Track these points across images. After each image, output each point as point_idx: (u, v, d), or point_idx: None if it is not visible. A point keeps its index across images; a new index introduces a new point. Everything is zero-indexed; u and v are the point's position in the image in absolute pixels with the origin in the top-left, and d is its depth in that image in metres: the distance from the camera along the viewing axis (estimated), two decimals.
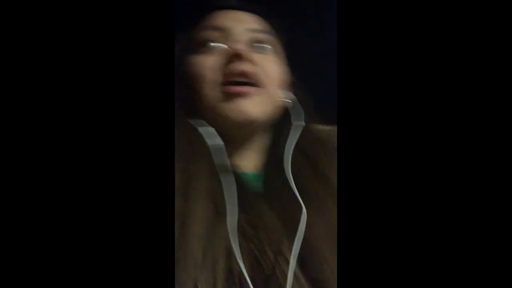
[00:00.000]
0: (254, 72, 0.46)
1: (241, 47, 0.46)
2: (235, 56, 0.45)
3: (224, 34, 0.48)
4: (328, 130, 0.52)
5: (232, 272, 0.36)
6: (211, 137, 0.44)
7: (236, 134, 0.47)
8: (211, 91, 0.45)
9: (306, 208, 0.40)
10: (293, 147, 0.47)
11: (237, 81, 0.45)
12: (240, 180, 0.44)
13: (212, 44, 0.47)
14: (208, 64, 0.46)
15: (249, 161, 0.49)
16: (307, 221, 0.40)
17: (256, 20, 0.50)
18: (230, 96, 0.44)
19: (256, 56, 0.47)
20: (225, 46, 0.47)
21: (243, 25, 0.49)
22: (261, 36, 0.49)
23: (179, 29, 0.46)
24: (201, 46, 0.48)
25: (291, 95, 0.52)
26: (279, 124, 0.50)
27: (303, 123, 0.49)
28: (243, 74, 0.45)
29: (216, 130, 0.45)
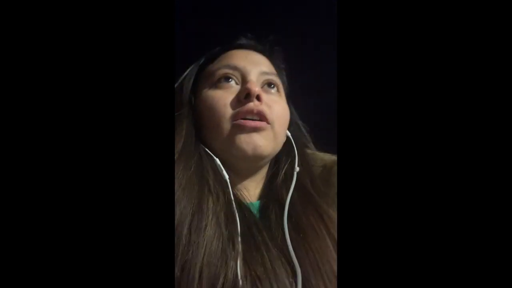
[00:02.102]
0: (268, 112, 0.49)
1: (258, 89, 0.49)
2: (252, 96, 0.48)
3: (240, 73, 0.51)
4: (332, 161, 0.55)
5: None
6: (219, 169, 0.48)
7: (243, 166, 0.50)
8: (225, 124, 0.48)
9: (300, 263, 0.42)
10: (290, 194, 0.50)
11: (251, 118, 0.48)
12: (247, 209, 0.47)
13: (229, 81, 0.51)
14: (224, 99, 0.49)
15: (251, 191, 0.52)
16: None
17: (267, 63, 0.55)
18: (244, 130, 0.47)
19: (266, 97, 0.50)
20: (238, 85, 0.51)
21: (258, 67, 0.53)
22: (271, 78, 0.53)
23: (181, 60, 0.49)
24: (217, 82, 0.51)
25: (291, 133, 0.55)
26: (280, 157, 0.54)
27: (298, 169, 0.52)
28: (258, 113, 0.48)
29: (225, 161, 0.48)
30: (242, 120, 0.47)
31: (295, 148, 0.54)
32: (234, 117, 0.48)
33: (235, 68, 0.52)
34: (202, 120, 0.50)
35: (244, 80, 0.51)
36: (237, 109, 0.48)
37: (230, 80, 0.51)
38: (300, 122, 0.59)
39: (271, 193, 0.52)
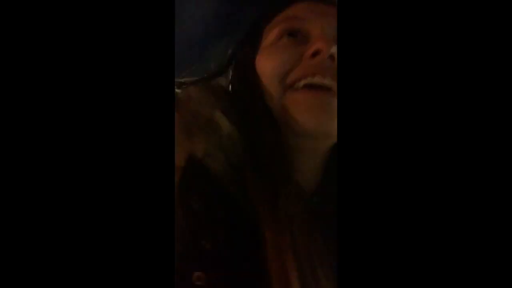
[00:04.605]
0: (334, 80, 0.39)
1: (333, 48, 0.38)
2: (323, 54, 0.39)
3: (306, 28, 0.42)
4: None
5: None
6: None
7: (297, 144, 0.41)
8: (280, 90, 0.40)
9: None
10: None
11: (309, 83, 0.39)
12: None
13: (291, 37, 0.42)
14: (283, 59, 0.40)
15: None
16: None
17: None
18: (299, 101, 0.39)
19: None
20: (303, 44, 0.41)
21: (331, 23, 0.41)
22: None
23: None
24: (275, 40, 0.42)
25: None
26: None
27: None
28: (328, 74, 0.38)
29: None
30: (305, 89, 0.38)
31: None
32: (294, 81, 0.39)
33: (302, 19, 0.42)
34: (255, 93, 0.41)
35: (309, 36, 0.41)
36: (299, 70, 0.39)
37: (293, 36, 0.41)
38: None
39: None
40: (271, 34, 0.43)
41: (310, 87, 0.39)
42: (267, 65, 0.41)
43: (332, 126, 0.38)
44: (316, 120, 0.39)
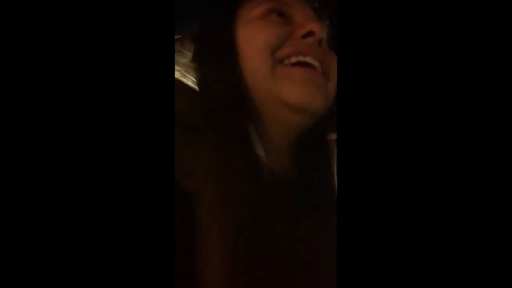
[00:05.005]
0: (327, 62, 0.41)
1: (317, 25, 0.40)
2: (316, 38, 0.40)
3: (295, 9, 0.43)
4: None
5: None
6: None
7: (287, 122, 0.41)
8: (270, 64, 0.40)
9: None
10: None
11: (301, 61, 0.40)
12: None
13: (279, 16, 0.42)
14: (270, 34, 0.41)
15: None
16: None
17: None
18: (289, 75, 0.40)
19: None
20: (289, 25, 0.42)
21: (309, 11, 0.43)
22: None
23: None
24: (260, 16, 0.42)
25: None
26: None
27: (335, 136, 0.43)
28: (317, 57, 0.40)
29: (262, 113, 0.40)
30: (297, 65, 0.39)
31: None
32: (285, 57, 0.40)
33: (288, 4, 0.42)
34: (240, 64, 0.40)
35: (296, 19, 0.42)
36: (290, 47, 0.40)
37: (281, 16, 0.42)
38: None
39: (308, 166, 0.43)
40: (255, 11, 0.42)
41: (301, 64, 0.40)
42: (259, 37, 0.41)
43: (321, 103, 0.40)
44: (308, 95, 0.39)
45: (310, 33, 0.40)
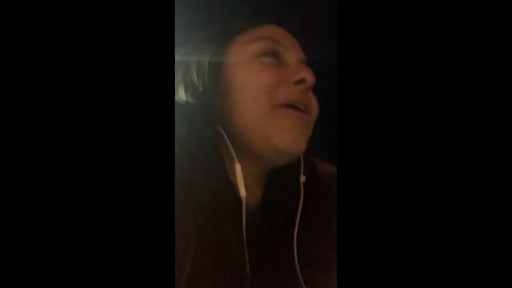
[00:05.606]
0: (313, 108, 0.45)
1: (309, 73, 0.43)
2: (308, 86, 0.43)
3: (285, 52, 0.45)
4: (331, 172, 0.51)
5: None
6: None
7: (269, 160, 0.44)
8: (265, 107, 0.42)
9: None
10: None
11: (294, 105, 0.43)
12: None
13: (271, 57, 0.45)
14: (266, 78, 0.43)
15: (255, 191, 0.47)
16: None
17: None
18: (283, 120, 0.42)
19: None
20: (280, 66, 0.45)
21: (300, 53, 0.47)
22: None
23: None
24: (258, 57, 0.44)
25: None
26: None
27: (304, 178, 0.47)
28: (305, 101, 0.44)
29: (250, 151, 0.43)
30: (287, 109, 0.42)
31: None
32: (279, 102, 0.42)
33: (281, 44, 0.45)
34: (232, 102, 0.42)
35: (288, 62, 0.45)
36: (284, 93, 0.42)
37: (273, 56, 0.44)
38: None
39: (275, 201, 0.46)
40: (251, 48, 0.44)
41: (293, 108, 0.43)
42: (256, 80, 0.43)
43: (304, 148, 0.44)
44: (296, 141, 0.43)
45: (302, 80, 0.43)
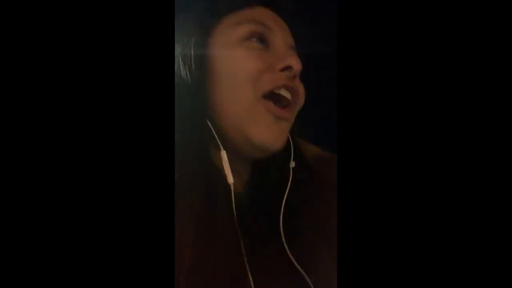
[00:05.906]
0: (297, 102, 0.44)
1: (295, 60, 0.42)
2: (295, 73, 0.42)
3: (273, 36, 0.44)
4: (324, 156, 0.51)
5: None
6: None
7: (248, 154, 0.44)
8: (252, 96, 0.41)
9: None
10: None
11: (277, 95, 0.42)
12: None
13: (259, 42, 0.43)
14: (252, 63, 0.41)
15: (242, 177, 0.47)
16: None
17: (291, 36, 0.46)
18: (263, 115, 0.42)
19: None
20: (267, 52, 0.43)
21: (289, 39, 0.46)
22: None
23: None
24: (240, 40, 0.42)
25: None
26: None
27: (293, 164, 0.47)
28: (291, 89, 0.43)
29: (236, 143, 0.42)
30: (272, 103, 0.41)
31: (290, 139, 0.47)
32: (262, 91, 0.41)
33: (269, 28, 0.43)
34: (216, 89, 0.42)
35: (275, 47, 0.43)
36: (268, 81, 0.41)
37: (261, 42, 0.43)
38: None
39: (262, 187, 0.46)
40: (237, 31, 0.42)
41: (275, 103, 0.42)
42: (241, 68, 0.41)
43: (281, 145, 0.43)
44: (273, 139, 0.42)
45: (288, 67, 0.42)
